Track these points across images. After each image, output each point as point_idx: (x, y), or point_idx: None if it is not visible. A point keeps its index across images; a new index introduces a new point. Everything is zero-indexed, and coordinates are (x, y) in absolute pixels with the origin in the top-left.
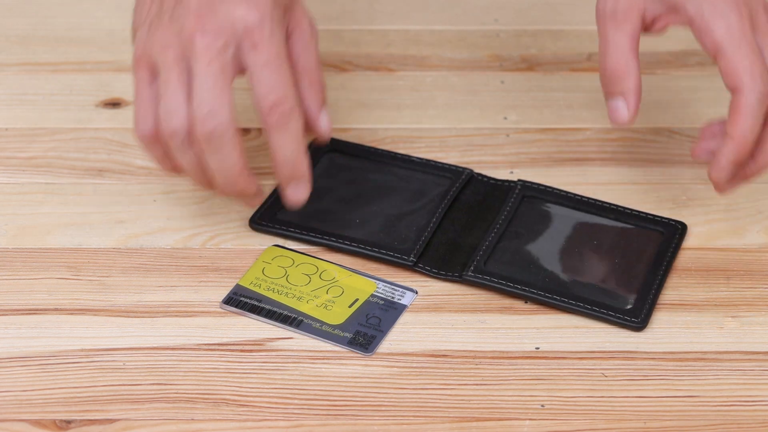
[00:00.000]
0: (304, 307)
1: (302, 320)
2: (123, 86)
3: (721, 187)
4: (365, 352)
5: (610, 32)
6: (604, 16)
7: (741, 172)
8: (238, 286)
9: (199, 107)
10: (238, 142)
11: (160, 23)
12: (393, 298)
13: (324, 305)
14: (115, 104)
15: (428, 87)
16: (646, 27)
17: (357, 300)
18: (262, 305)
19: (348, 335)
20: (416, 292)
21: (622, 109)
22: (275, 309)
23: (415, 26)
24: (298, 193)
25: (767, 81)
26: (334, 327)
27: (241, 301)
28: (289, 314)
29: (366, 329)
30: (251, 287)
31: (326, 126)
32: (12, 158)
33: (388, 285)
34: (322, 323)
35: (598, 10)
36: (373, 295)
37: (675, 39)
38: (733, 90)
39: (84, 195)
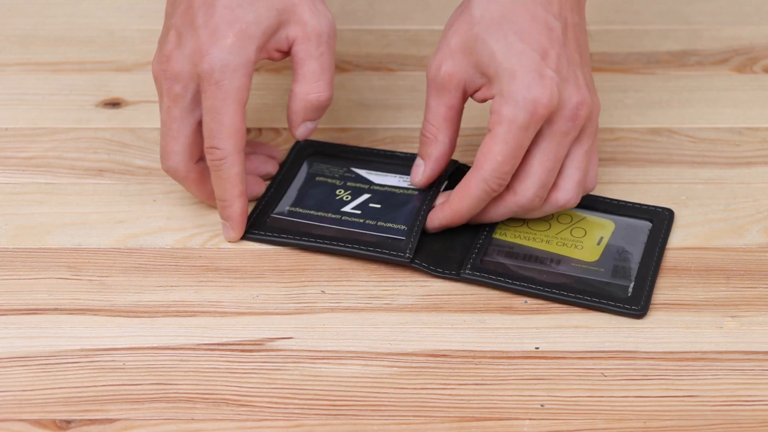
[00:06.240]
0: (556, 249)
1: (560, 260)
2: (123, 86)
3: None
4: (626, 282)
5: (430, 98)
6: (428, 80)
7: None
8: (491, 238)
9: (161, 149)
10: (193, 180)
11: (158, 48)
12: (632, 232)
13: (573, 245)
14: (114, 104)
15: None
16: (469, 96)
17: (602, 238)
18: (516, 251)
19: (607, 269)
20: (651, 222)
21: (419, 169)
22: (530, 253)
23: (415, 26)
24: (227, 233)
25: (500, 182)
26: (591, 263)
27: (496, 249)
28: (544, 256)
29: (621, 262)
30: (500, 237)
31: (301, 135)
32: (12, 158)
33: (624, 220)
34: (580, 261)
35: (426, 73)
36: (614, 232)
37: (675, 39)
38: (473, 167)
39: (84, 195)
